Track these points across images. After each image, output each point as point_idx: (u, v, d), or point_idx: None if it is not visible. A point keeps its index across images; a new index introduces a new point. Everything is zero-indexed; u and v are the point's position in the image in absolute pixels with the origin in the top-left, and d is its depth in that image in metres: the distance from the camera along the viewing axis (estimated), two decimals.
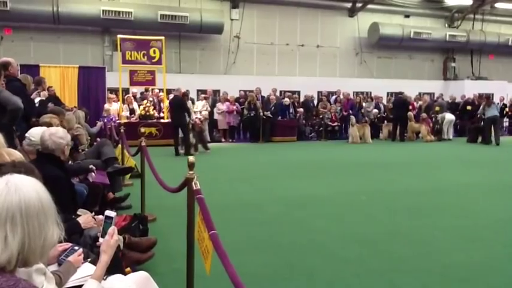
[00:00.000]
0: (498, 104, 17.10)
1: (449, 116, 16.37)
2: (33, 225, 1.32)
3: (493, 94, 19.71)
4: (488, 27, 21.46)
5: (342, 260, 4.04)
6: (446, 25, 21.46)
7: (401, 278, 3.65)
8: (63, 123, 5.44)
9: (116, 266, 2.41)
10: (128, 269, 3.00)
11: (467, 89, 19.54)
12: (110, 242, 1.94)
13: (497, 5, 20.96)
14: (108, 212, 2.17)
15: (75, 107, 11.22)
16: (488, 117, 14.65)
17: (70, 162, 4.98)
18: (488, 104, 14.89)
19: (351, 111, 16.07)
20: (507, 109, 17.87)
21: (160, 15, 16.08)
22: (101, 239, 2.05)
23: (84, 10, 15.45)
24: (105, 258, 1.91)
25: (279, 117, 15.22)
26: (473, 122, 17.35)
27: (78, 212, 3.23)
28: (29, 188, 1.35)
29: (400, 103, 15.67)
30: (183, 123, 11.32)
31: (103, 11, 15.43)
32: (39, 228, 1.33)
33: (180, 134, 11.43)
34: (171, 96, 13.85)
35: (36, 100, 7.43)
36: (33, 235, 1.32)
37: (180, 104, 11.42)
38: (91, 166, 4.79)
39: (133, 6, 16.02)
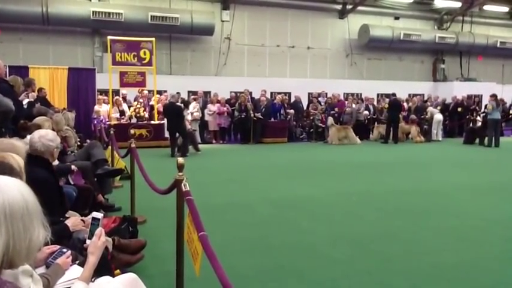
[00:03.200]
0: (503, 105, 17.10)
1: (438, 116, 16.47)
2: (17, 227, 1.31)
3: (481, 95, 19.93)
4: (476, 29, 21.69)
5: (332, 261, 4.05)
6: (436, 27, 21.65)
7: (390, 278, 3.67)
8: (52, 125, 5.40)
9: (104, 268, 2.40)
10: (118, 271, 2.99)
11: (457, 90, 19.71)
12: (97, 243, 1.93)
13: (486, 7, 21.21)
14: (94, 214, 2.16)
15: (64, 108, 11.13)
16: (493, 118, 14.44)
17: (57, 162, 4.95)
18: (497, 103, 14.59)
19: (331, 112, 15.99)
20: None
21: (151, 16, 16.04)
22: (88, 241, 2.03)
23: (74, 11, 15.36)
24: (92, 259, 1.90)
25: (270, 119, 15.24)
26: (462, 123, 17.54)
27: (67, 215, 3.21)
28: (13, 189, 1.34)
29: (395, 105, 15.65)
30: (181, 129, 11.43)
31: (93, 12, 15.35)
32: (24, 229, 1.32)
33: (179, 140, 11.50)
34: (164, 100, 13.89)
35: (25, 102, 7.36)
36: (18, 236, 1.31)
37: (176, 111, 11.52)
38: (72, 166, 4.75)
39: (124, 7, 15.96)
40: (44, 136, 3.41)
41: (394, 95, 16.00)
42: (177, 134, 11.52)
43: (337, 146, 14.39)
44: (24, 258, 1.35)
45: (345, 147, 14.24)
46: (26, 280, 1.46)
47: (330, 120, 15.07)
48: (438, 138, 16.32)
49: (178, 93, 12.83)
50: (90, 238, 2.02)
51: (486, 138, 14.58)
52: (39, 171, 3.17)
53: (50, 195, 2.95)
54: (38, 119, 5.02)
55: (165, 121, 12.20)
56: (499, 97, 19.49)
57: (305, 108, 16.89)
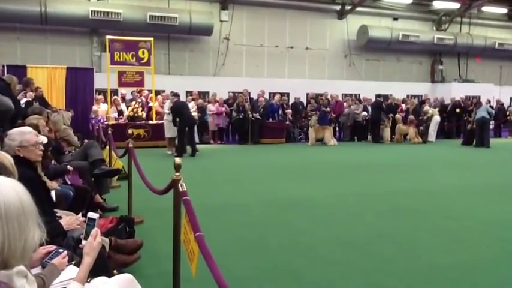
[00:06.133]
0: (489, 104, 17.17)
1: (436, 118, 16.51)
2: (13, 227, 1.31)
3: (479, 96, 19.96)
4: (475, 31, 21.73)
5: (328, 262, 4.06)
6: (434, 28, 21.67)
7: (386, 279, 3.67)
8: (49, 125, 5.39)
9: (103, 268, 2.39)
10: (115, 271, 2.98)
11: (455, 91, 19.76)
12: (93, 244, 1.93)
13: (484, 8, 21.24)
14: (90, 214, 2.15)
15: (60, 109, 11.09)
16: (477, 118, 14.77)
17: (54, 163, 4.94)
18: (477, 106, 15.04)
19: (317, 112, 15.92)
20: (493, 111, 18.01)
21: (149, 16, 16.03)
22: (83, 241, 2.03)
23: (72, 10, 15.34)
24: (88, 260, 1.89)
25: (268, 119, 15.25)
26: (459, 124, 17.61)
27: (62, 215, 3.20)
28: (8, 190, 1.33)
29: (376, 106, 16.16)
30: (194, 123, 11.73)
31: (91, 11, 15.33)
32: (19, 230, 1.32)
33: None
34: (162, 101, 13.88)
35: (23, 101, 7.36)
36: (13, 237, 1.31)
37: (186, 105, 11.79)
38: (68, 167, 4.75)
39: (122, 7, 15.94)
40: (10, 134, 3.30)
41: (378, 96, 16.41)
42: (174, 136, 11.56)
43: (334, 147, 14.39)
44: (19, 259, 1.35)
45: (342, 148, 14.24)
46: (21, 281, 1.46)
47: (313, 120, 15.00)
48: (432, 139, 16.32)
49: (176, 93, 12.83)
50: (85, 239, 2.02)
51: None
52: (23, 171, 3.14)
53: (35, 194, 2.92)
54: (30, 118, 4.99)
55: (164, 122, 12.12)
56: (497, 98, 19.77)
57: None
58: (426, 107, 16.83)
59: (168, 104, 12.07)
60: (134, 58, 13.46)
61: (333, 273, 3.81)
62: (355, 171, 9.41)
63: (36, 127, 4.42)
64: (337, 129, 16.84)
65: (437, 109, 17.45)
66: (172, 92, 12.38)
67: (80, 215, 3.27)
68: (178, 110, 11.31)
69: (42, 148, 3.43)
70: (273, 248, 4.42)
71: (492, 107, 17.65)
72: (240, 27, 18.40)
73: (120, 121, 13.34)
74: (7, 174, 1.70)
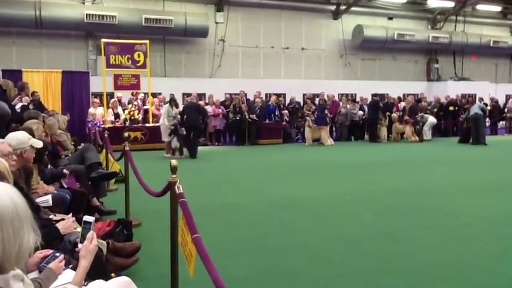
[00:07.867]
0: (482, 102, 17.27)
1: (432, 119, 16.55)
2: (7, 231, 1.30)
3: (475, 94, 20.04)
4: (470, 29, 21.78)
5: (326, 261, 4.06)
6: (429, 27, 21.73)
7: (385, 278, 3.68)
8: (45, 129, 5.38)
9: (100, 271, 2.39)
10: (113, 274, 2.98)
11: (451, 89, 19.79)
12: (89, 247, 1.92)
13: (479, 6, 21.30)
14: (86, 217, 2.14)
15: (53, 110, 11.05)
16: (470, 115, 14.92)
17: (50, 167, 4.93)
18: (471, 104, 15.29)
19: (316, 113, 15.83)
20: (488, 108, 18.07)
21: (145, 18, 15.99)
22: (80, 245, 2.03)
23: (68, 14, 15.29)
24: (84, 263, 1.89)
25: (265, 120, 15.24)
26: (455, 122, 17.66)
27: (58, 218, 3.19)
28: (2, 194, 1.33)
29: (373, 105, 16.20)
30: (199, 127, 11.69)
31: (87, 15, 15.29)
32: (13, 234, 1.32)
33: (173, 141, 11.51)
34: (158, 103, 13.87)
35: (18, 106, 7.32)
36: (7, 241, 1.30)
37: (197, 108, 11.81)
38: (64, 170, 4.74)
39: (117, 10, 15.92)
40: None
41: (375, 95, 16.53)
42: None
43: (332, 147, 14.41)
44: (14, 263, 1.35)
45: (340, 148, 14.25)
46: (17, 284, 1.45)
47: (308, 120, 14.99)
48: (428, 138, 16.34)
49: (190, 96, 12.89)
50: (81, 242, 2.02)
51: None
52: None
53: None
54: (28, 123, 4.98)
55: (161, 126, 12.09)
56: (493, 95, 19.86)
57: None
58: (420, 114, 16.64)
59: (165, 107, 12.06)
60: (130, 61, 13.45)
61: (331, 272, 3.81)
62: (352, 171, 9.42)
63: (30, 131, 4.40)
64: (333, 129, 16.85)
65: (435, 110, 17.49)
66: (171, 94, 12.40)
67: (70, 215, 3.25)
68: (187, 110, 11.59)
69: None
70: (271, 248, 4.42)
71: (486, 105, 17.71)
72: (235, 28, 18.40)
73: (117, 124, 13.31)
74: (2, 179, 1.70)
